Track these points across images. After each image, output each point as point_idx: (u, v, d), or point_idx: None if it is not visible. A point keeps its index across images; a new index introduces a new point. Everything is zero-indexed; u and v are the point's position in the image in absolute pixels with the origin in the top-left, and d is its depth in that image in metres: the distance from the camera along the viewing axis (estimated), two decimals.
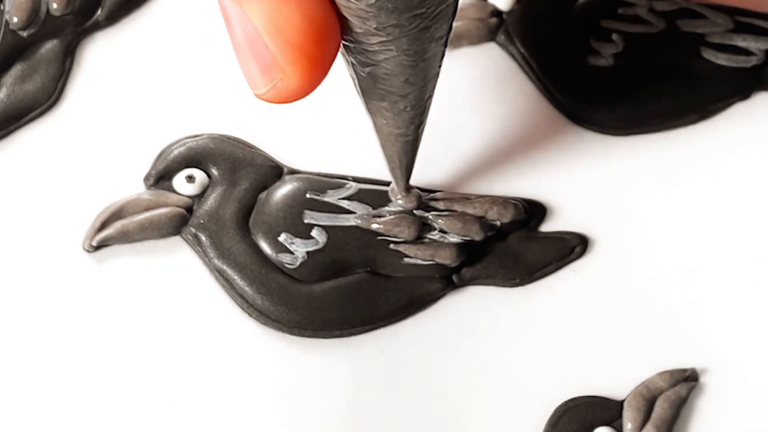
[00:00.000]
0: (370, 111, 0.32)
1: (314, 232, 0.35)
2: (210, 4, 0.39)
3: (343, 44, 0.29)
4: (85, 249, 0.36)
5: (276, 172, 0.37)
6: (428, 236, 0.35)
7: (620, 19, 0.39)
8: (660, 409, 0.33)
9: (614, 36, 0.39)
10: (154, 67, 0.39)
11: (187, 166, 0.36)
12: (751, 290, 0.36)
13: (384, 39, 0.28)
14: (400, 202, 0.35)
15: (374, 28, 0.28)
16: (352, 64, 0.30)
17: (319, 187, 0.36)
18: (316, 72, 0.29)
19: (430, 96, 0.31)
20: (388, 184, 0.36)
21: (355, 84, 0.31)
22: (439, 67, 0.31)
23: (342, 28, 0.29)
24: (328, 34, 0.28)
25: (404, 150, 0.33)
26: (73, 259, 0.35)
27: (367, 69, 0.30)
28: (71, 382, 0.34)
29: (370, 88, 0.31)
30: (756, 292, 0.36)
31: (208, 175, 0.36)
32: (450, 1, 0.28)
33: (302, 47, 0.28)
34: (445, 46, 0.30)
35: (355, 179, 0.36)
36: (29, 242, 0.36)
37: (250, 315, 0.35)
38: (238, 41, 0.29)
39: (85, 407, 0.33)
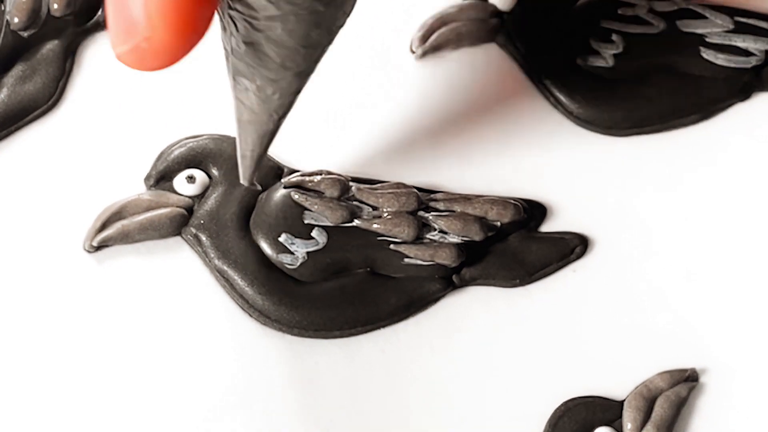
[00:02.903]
0: (237, 91, 0.31)
1: (314, 233, 0.35)
2: None
3: (229, 12, 0.28)
4: (85, 249, 0.36)
5: (276, 172, 0.37)
6: (428, 237, 0.35)
7: (620, 19, 0.39)
8: (660, 409, 0.33)
9: (614, 36, 0.39)
10: None
11: (188, 167, 0.36)
12: (751, 290, 0.36)
13: (273, 13, 0.27)
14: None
15: None
16: (232, 36, 0.29)
17: None
18: (186, 35, 0.26)
19: (300, 90, 0.31)
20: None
21: (227, 59, 0.30)
22: (317, 61, 0.30)
23: None
24: None
25: (261, 139, 0.32)
26: (74, 260, 0.35)
27: (247, 43, 0.29)
28: (72, 383, 0.34)
29: (243, 66, 0.30)
30: (756, 293, 0.36)
31: (209, 176, 0.36)
32: None
33: (180, 3, 0.26)
34: (330, 43, 0.29)
35: (354, 179, 0.36)
36: (30, 242, 0.36)
37: (251, 315, 0.35)
38: None
39: (86, 407, 0.33)
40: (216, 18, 0.28)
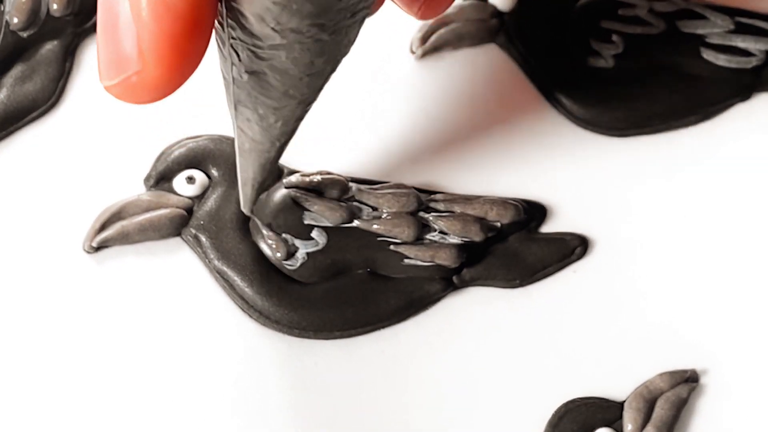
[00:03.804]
0: (238, 120, 0.31)
1: (314, 233, 0.35)
2: None
3: (231, 42, 0.28)
4: (85, 250, 0.36)
5: (276, 172, 0.36)
6: (428, 237, 0.35)
7: (620, 20, 0.39)
8: (660, 410, 0.33)
9: (614, 37, 0.39)
10: None
11: (188, 167, 0.36)
12: (751, 291, 0.36)
13: (277, 42, 0.27)
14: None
15: (271, 28, 0.27)
16: (234, 65, 0.29)
17: None
18: (179, 70, 0.26)
19: (302, 117, 0.31)
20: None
21: (228, 89, 0.30)
22: (320, 89, 0.30)
23: (234, 24, 0.27)
24: (204, 29, 0.26)
25: (262, 166, 0.32)
26: (74, 260, 0.35)
27: (250, 73, 0.28)
28: (71, 383, 0.34)
29: (245, 95, 0.29)
30: (756, 293, 0.36)
31: (208, 176, 0.36)
32: (353, 20, 0.28)
33: (175, 39, 0.25)
34: (333, 71, 0.29)
35: (354, 179, 0.36)
36: (29, 243, 0.36)
37: (250, 316, 0.35)
38: (102, 21, 0.26)
39: (86, 408, 0.33)
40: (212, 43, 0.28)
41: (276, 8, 0.26)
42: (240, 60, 0.28)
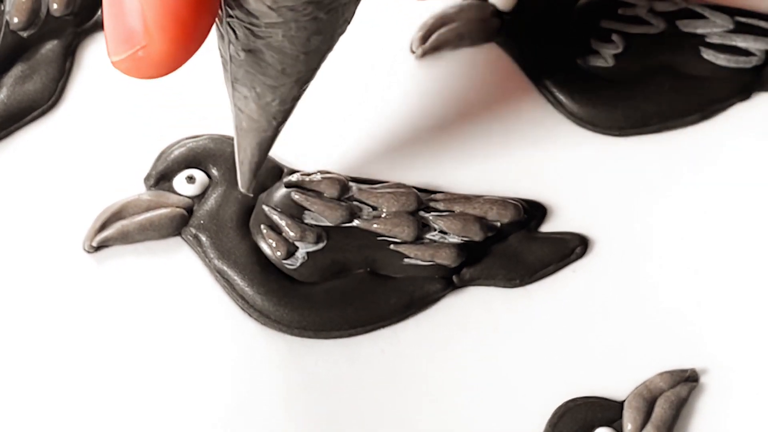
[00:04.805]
0: (235, 99, 0.31)
1: (314, 233, 0.35)
2: None
3: (227, 20, 0.28)
4: (85, 249, 0.36)
5: (276, 172, 0.36)
6: (428, 237, 0.35)
7: (620, 19, 0.39)
8: (660, 409, 0.33)
9: (614, 36, 0.39)
10: None
11: (188, 167, 0.36)
12: (751, 290, 0.36)
13: (274, 20, 0.27)
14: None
15: (267, 6, 0.27)
16: (231, 43, 0.29)
17: None
18: (185, 44, 0.26)
19: (299, 96, 0.31)
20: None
21: (225, 67, 0.30)
22: (317, 68, 0.30)
23: (232, 3, 0.27)
24: (209, 6, 0.26)
25: (260, 146, 0.32)
26: (74, 260, 0.35)
27: (246, 51, 0.28)
28: (71, 383, 0.34)
29: (242, 73, 0.29)
30: (756, 293, 0.36)
31: (209, 176, 0.36)
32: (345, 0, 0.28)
33: (178, 13, 0.25)
34: (330, 49, 0.29)
35: (354, 179, 0.36)
36: (30, 242, 0.36)
37: (251, 315, 0.35)
38: None
39: (85, 407, 0.33)
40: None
41: None
42: (237, 38, 0.28)
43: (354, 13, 0.29)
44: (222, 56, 0.30)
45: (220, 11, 0.28)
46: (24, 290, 0.35)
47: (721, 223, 0.37)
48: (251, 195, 0.35)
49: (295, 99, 0.31)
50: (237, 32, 0.28)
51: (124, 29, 0.26)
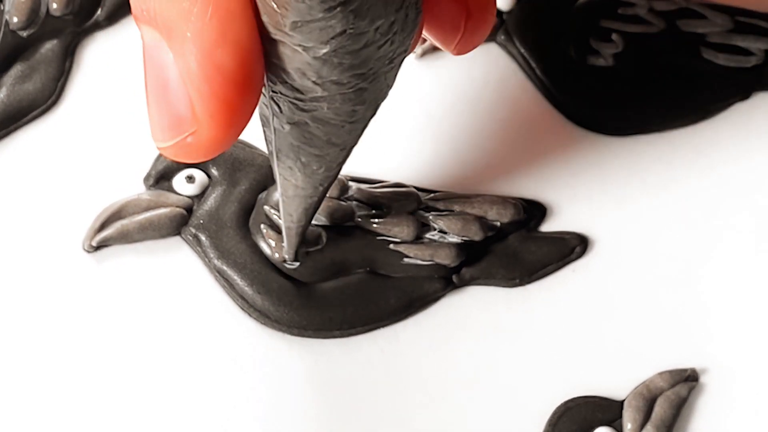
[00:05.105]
0: (280, 169, 0.31)
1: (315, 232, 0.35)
2: None
3: (271, 95, 0.28)
4: (85, 249, 0.36)
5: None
6: (428, 236, 0.35)
7: (620, 19, 0.39)
8: (660, 409, 0.33)
9: (614, 36, 0.39)
10: None
11: (187, 166, 0.36)
12: (750, 290, 0.36)
13: (319, 95, 0.27)
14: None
15: (312, 82, 0.26)
16: (275, 116, 0.29)
17: None
18: (233, 128, 0.26)
19: (345, 161, 0.31)
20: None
21: (269, 141, 0.30)
22: (361, 134, 0.30)
23: (275, 79, 0.27)
24: (255, 86, 0.26)
25: (306, 211, 0.32)
26: (73, 260, 0.35)
27: (291, 124, 0.28)
28: (71, 382, 0.34)
29: (287, 145, 0.29)
30: (756, 293, 0.36)
31: (208, 176, 0.36)
32: (390, 65, 0.27)
33: (227, 98, 0.25)
34: (374, 115, 0.29)
35: (354, 179, 0.36)
36: (29, 242, 0.36)
37: (250, 315, 0.35)
38: (152, 84, 0.26)
39: (85, 407, 0.33)
40: None
41: (317, 63, 0.26)
42: (281, 112, 0.28)
43: (395, 78, 0.29)
44: (265, 129, 0.30)
45: (263, 88, 0.28)
46: (24, 290, 0.35)
47: (721, 223, 0.37)
48: (297, 263, 0.35)
49: (341, 165, 0.31)
50: (281, 107, 0.28)
51: (170, 115, 0.26)
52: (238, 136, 0.26)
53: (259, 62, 0.26)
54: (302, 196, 0.32)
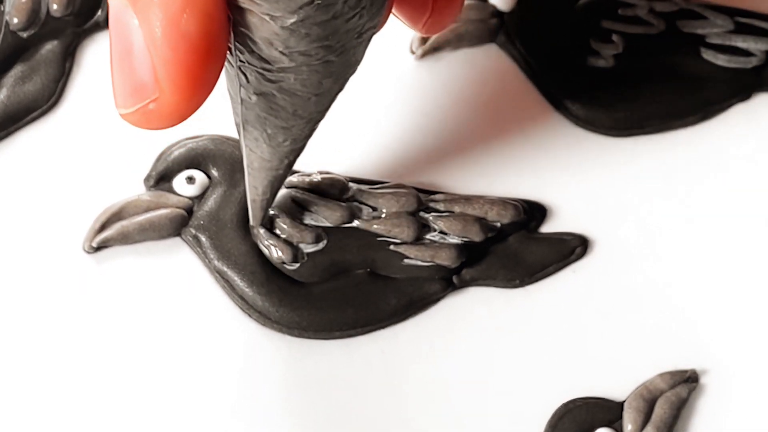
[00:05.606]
0: (246, 140, 0.31)
1: (315, 233, 0.35)
2: None
3: (239, 65, 0.28)
4: (85, 250, 0.36)
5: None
6: (428, 237, 0.35)
7: (620, 19, 0.39)
8: (660, 410, 0.33)
9: (614, 37, 0.39)
10: None
11: (188, 168, 0.36)
12: (751, 291, 0.36)
13: (286, 65, 0.27)
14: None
15: (279, 52, 0.27)
16: (242, 87, 0.29)
17: None
18: (196, 96, 0.26)
19: (310, 135, 0.31)
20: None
21: (236, 110, 0.30)
22: (328, 108, 0.30)
23: (243, 48, 0.27)
24: (219, 55, 0.26)
25: (272, 184, 0.33)
26: (73, 260, 0.35)
27: (258, 94, 0.28)
28: (71, 383, 0.34)
29: (254, 116, 0.30)
30: (756, 293, 0.36)
31: (208, 177, 0.36)
32: (359, 40, 0.28)
33: (190, 66, 0.25)
34: (341, 90, 0.29)
35: (354, 179, 0.36)
36: (29, 243, 0.36)
37: (250, 316, 0.35)
38: (116, 49, 0.26)
39: (85, 408, 0.33)
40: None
41: (285, 33, 0.26)
42: (248, 82, 0.28)
43: (364, 54, 0.29)
44: (232, 98, 0.30)
45: (230, 56, 0.28)
46: (24, 291, 0.35)
47: (721, 223, 0.37)
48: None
49: (307, 138, 0.31)
50: (248, 76, 0.28)
51: (133, 82, 0.26)
52: (200, 105, 0.26)
53: (224, 31, 0.26)
54: (268, 168, 0.32)
